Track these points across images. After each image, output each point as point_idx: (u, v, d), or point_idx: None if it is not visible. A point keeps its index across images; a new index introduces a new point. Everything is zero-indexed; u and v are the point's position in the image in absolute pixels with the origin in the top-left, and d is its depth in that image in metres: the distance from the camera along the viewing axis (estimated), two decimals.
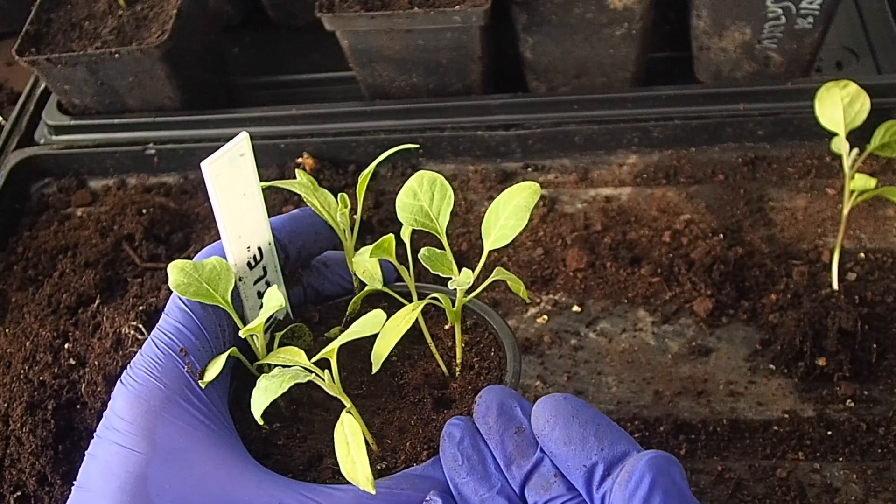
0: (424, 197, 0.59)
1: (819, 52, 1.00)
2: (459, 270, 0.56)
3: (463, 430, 0.53)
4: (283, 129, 1.08)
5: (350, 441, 0.49)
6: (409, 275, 0.59)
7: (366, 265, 0.60)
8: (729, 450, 0.78)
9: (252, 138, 1.04)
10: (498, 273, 0.57)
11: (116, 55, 1.02)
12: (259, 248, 0.59)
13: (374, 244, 0.56)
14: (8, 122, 1.16)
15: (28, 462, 0.79)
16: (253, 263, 0.59)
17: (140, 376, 0.54)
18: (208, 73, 1.13)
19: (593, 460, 0.49)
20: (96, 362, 0.84)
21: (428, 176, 0.59)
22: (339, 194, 0.61)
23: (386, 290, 0.60)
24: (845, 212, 0.85)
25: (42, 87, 1.19)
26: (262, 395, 0.51)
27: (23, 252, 1.03)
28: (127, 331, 0.85)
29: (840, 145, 0.85)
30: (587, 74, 1.04)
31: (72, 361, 0.87)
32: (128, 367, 0.55)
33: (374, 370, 0.53)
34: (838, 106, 0.86)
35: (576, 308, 0.89)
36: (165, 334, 0.56)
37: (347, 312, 0.63)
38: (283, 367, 0.53)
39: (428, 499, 0.52)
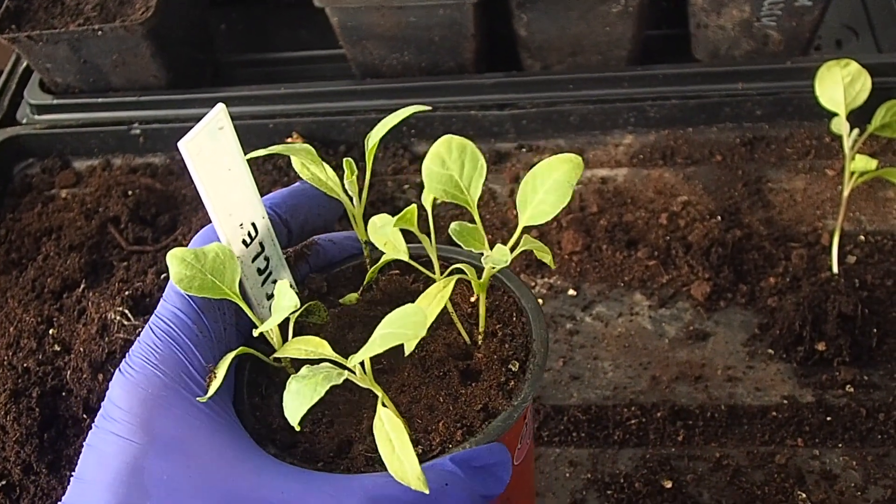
0: (454, 166, 0.54)
1: (818, 30, 0.98)
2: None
3: None
4: (272, 109, 1.05)
5: (393, 438, 0.46)
6: (431, 244, 0.56)
7: (388, 236, 0.56)
8: (727, 436, 0.76)
9: (240, 118, 1.03)
10: (526, 243, 0.54)
11: (99, 32, 1.00)
12: (253, 224, 0.56)
13: (397, 216, 0.54)
14: None
15: (13, 451, 0.77)
16: (248, 241, 0.56)
17: (137, 364, 0.52)
18: (194, 50, 1.11)
19: None
20: (82, 349, 0.82)
21: (457, 142, 0.55)
22: (345, 159, 0.58)
23: (410, 261, 0.57)
24: (845, 193, 0.83)
25: (24, 65, 1.16)
26: (297, 401, 0.47)
27: (5, 235, 1.01)
28: (113, 316, 0.83)
29: (840, 126, 0.84)
30: (582, 53, 1.02)
31: (57, 348, 0.85)
32: (126, 354, 0.54)
33: (408, 352, 0.52)
34: (839, 85, 0.84)
35: (571, 292, 0.88)
36: (163, 320, 0.54)
37: (365, 281, 0.61)
38: (311, 362, 0.50)
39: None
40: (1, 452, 0.78)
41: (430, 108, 0.62)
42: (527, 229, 0.54)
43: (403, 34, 0.99)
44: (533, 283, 0.89)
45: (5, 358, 0.85)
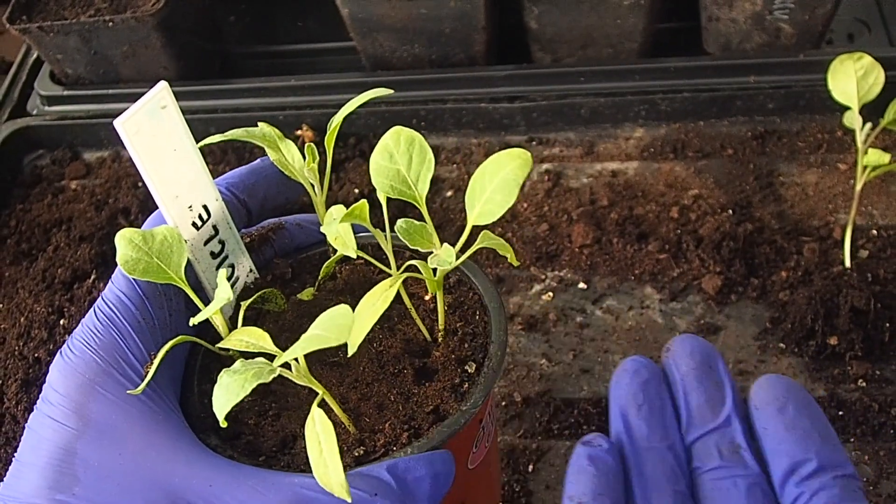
0: (401, 160, 0.52)
1: (831, 23, 0.98)
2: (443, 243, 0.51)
3: (650, 371, 0.53)
4: (282, 101, 1.05)
5: (322, 441, 0.45)
6: (386, 239, 0.54)
7: (338, 231, 0.53)
8: None
9: (249, 109, 1.03)
10: (483, 239, 0.51)
11: (110, 23, 1.00)
12: (204, 206, 0.54)
13: (348, 209, 0.51)
14: None
15: None
16: (199, 224, 0.55)
17: (78, 348, 0.52)
18: (204, 42, 1.11)
19: (808, 456, 0.48)
20: None
21: (405, 134, 0.52)
22: (307, 145, 0.56)
23: (361, 254, 0.55)
24: (858, 187, 0.83)
25: (34, 56, 1.16)
26: (225, 396, 0.46)
27: (16, 225, 1.01)
28: None
29: (853, 119, 0.83)
30: (593, 45, 1.01)
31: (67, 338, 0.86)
32: (69, 337, 0.53)
33: (350, 353, 0.47)
34: (852, 79, 0.84)
35: (582, 285, 0.88)
36: (107, 304, 0.53)
37: (320, 277, 0.59)
38: (246, 355, 0.49)
39: (589, 439, 0.51)
40: (12, 442, 0.78)
41: (391, 91, 0.59)
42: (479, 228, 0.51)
43: (414, 26, 0.99)
44: (543, 277, 0.89)
45: (16, 348, 0.85)
